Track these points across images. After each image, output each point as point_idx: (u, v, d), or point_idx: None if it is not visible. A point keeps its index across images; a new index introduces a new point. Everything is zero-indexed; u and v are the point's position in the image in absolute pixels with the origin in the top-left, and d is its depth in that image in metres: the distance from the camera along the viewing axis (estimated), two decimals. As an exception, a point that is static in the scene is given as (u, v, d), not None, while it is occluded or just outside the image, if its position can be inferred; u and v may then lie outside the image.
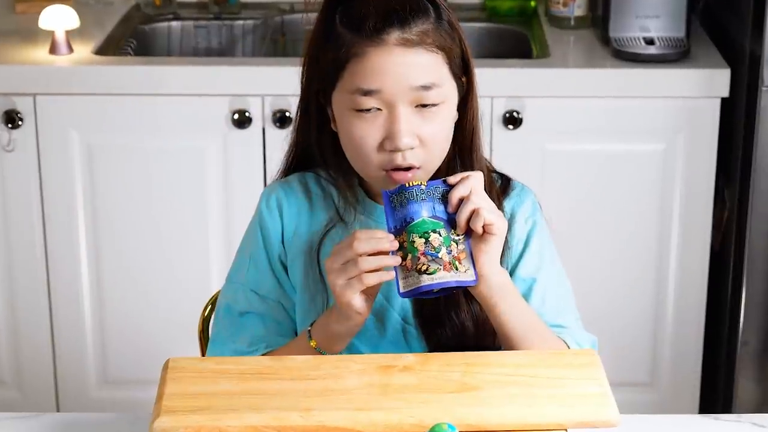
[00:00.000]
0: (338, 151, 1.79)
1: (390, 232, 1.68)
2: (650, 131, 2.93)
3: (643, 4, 3.01)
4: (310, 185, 1.86)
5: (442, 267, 1.66)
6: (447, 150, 1.77)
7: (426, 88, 1.71)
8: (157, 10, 3.36)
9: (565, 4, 3.18)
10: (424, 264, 1.66)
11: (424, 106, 1.72)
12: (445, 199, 1.69)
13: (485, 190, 1.73)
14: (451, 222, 1.68)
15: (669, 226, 2.99)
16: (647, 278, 3.02)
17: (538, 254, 1.83)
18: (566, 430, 1.59)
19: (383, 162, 1.73)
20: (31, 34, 3.09)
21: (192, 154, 2.95)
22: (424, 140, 1.72)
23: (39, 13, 3.01)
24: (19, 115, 2.90)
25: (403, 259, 1.67)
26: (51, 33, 2.97)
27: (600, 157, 2.94)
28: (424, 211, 1.67)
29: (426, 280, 1.65)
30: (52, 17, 2.97)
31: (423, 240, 1.66)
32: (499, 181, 1.86)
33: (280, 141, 2.88)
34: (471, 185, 1.67)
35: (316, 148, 1.83)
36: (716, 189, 2.97)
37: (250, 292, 1.85)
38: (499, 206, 1.79)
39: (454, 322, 1.78)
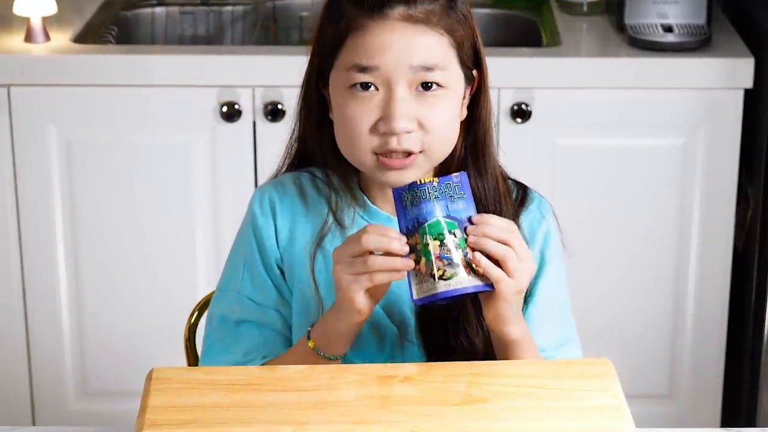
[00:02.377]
0: (338, 148, 1.79)
1: (402, 233, 1.67)
2: (669, 125, 2.93)
3: (661, -12, 3.02)
4: (305, 186, 1.85)
5: (459, 271, 1.65)
6: (453, 142, 1.77)
7: (428, 68, 1.71)
8: (141, -5, 3.37)
9: (577, -11, 3.19)
10: (440, 269, 1.65)
11: (426, 88, 1.71)
12: (459, 194, 1.67)
13: (499, 199, 1.74)
14: (467, 221, 1.67)
15: (689, 226, 2.99)
16: (665, 282, 3.02)
17: (553, 278, 1.83)
18: (579, 445, 1.59)
19: (375, 146, 1.72)
20: (4, 20, 3.09)
21: (178, 149, 2.95)
22: (425, 125, 1.71)
23: (14, -2, 3.02)
24: (-8, 107, 2.91)
25: (416, 262, 1.65)
26: (26, 20, 2.98)
27: (615, 153, 2.95)
28: (438, 211, 1.66)
29: (443, 286, 1.64)
30: (27, 3, 2.97)
31: (437, 242, 1.65)
32: (516, 190, 1.85)
33: (272, 135, 2.90)
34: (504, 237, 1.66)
35: (315, 144, 1.83)
36: (739, 186, 2.97)
37: (246, 299, 1.85)
38: (515, 220, 1.79)
39: (461, 343, 1.78)
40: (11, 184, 2.97)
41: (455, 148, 1.79)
